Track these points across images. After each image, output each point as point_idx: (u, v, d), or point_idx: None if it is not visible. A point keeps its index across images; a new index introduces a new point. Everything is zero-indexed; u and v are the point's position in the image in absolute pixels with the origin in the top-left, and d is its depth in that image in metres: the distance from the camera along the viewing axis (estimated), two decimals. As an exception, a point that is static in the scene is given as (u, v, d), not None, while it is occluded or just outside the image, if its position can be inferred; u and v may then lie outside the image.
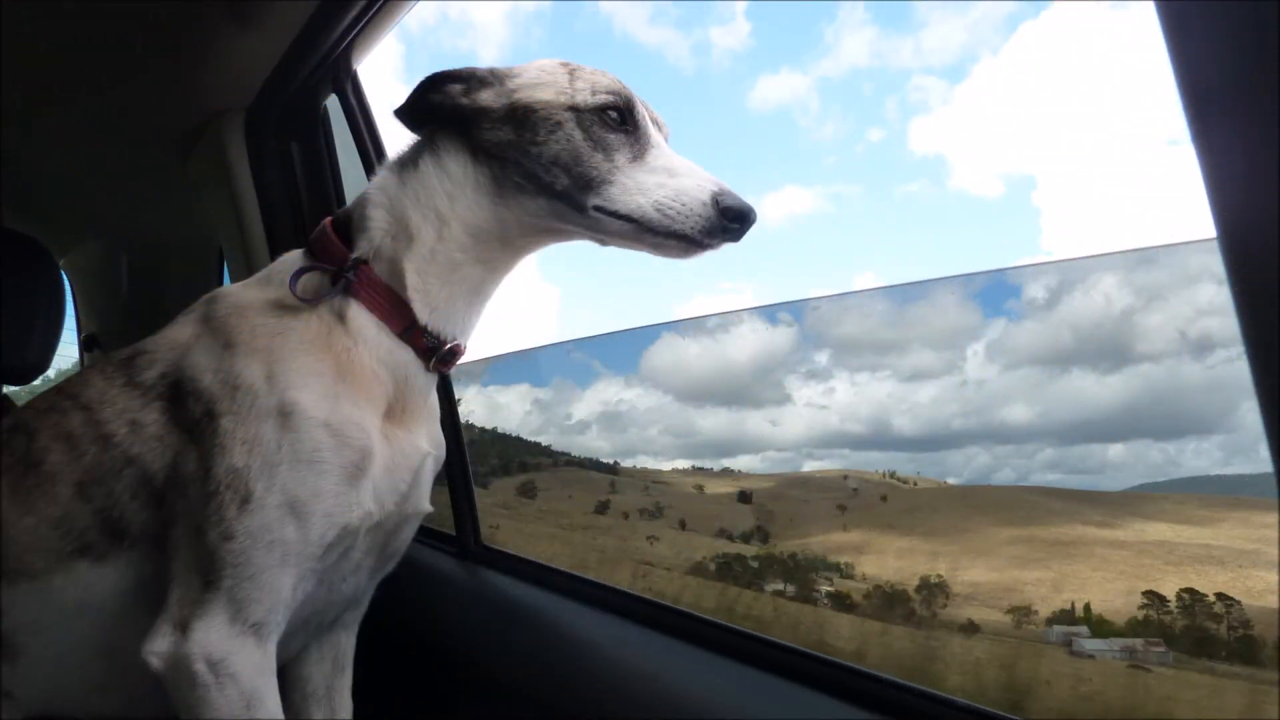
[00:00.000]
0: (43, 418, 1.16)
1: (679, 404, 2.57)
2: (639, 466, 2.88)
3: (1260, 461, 0.59)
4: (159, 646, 1.00)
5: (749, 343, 2.21)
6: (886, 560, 1.91)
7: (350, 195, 1.69)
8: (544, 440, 3.20)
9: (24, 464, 1.13)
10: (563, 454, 3.19)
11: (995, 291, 1.60)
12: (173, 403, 1.09)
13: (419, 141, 1.20)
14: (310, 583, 1.07)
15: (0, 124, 2.26)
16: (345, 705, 1.34)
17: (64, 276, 2.45)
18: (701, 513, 2.60)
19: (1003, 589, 1.60)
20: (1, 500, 1.12)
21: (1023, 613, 1.55)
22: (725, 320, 2.29)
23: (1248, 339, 0.58)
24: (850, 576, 1.93)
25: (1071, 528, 1.62)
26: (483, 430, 3.09)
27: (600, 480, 3.00)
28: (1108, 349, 1.43)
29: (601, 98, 1.10)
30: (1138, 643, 1.37)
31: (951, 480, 1.90)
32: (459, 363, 1.23)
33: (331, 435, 1.04)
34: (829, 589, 1.94)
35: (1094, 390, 1.49)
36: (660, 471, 2.76)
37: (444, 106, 1.14)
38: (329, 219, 1.23)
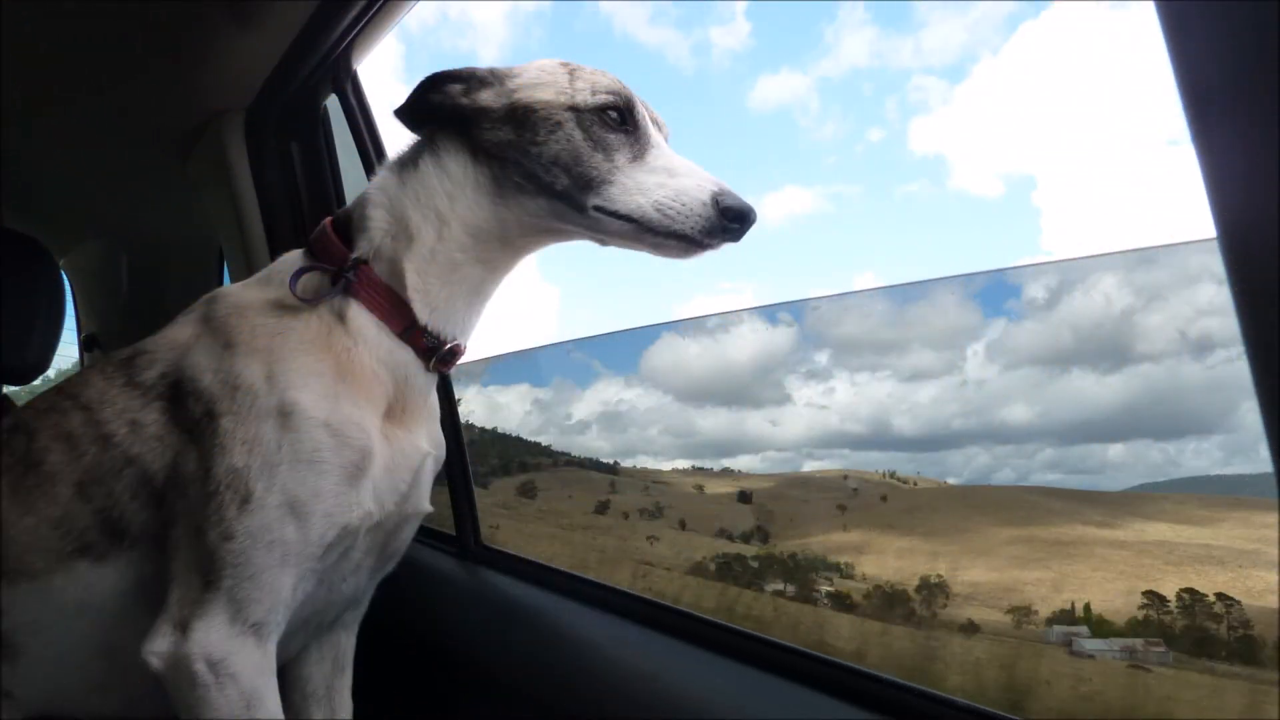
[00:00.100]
0: (43, 418, 1.16)
1: (679, 404, 2.57)
2: (639, 466, 2.88)
3: (1260, 461, 0.59)
4: (159, 646, 1.00)
5: (749, 343, 2.21)
6: (886, 560, 1.91)
7: (350, 195, 1.69)
8: (544, 440, 3.20)
9: (24, 464, 1.13)
10: (563, 454, 3.19)
11: (995, 291, 1.60)
12: (173, 403, 1.09)
13: (419, 141, 1.20)
14: (310, 583, 1.07)
15: (0, 124, 2.26)
16: (345, 705, 1.34)
17: (64, 276, 2.45)
18: (701, 513, 2.60)
19: (1003, 589, 1.60)
20: (1, 500, 1.12)
21: (1023, 613, 1.55)
22: (725, 320, 2.29)
23: (1248, 339, 0.58)
24: (850, 576, 1.93)
25: (1071, 528, 1.62)
26: (483, 430, 3.09)
27: (600, 480, 3.00)
28: (1108, 349, 1.43)
29: (601, 98, 1.10)
30: (1138, 643, 1.37)
31: (951, 480, 1.90)
32: (459, 363, 1.23)
33: (331, 435, 1.04)
34: (829, 589, 1.94)
35: (1094, 390, 1.49)
36: (660, 471, 2.76)
37: (444, 106, 1.14)
38: (329, 219, 1.23)
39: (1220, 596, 1.31)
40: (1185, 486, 1.52)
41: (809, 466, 2.18)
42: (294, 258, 1.21)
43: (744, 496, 2.40)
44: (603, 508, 2.90)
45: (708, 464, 2.55)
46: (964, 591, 1.63)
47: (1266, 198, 0.55)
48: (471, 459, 1.96)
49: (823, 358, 2.01)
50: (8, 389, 2.36)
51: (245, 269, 2.23)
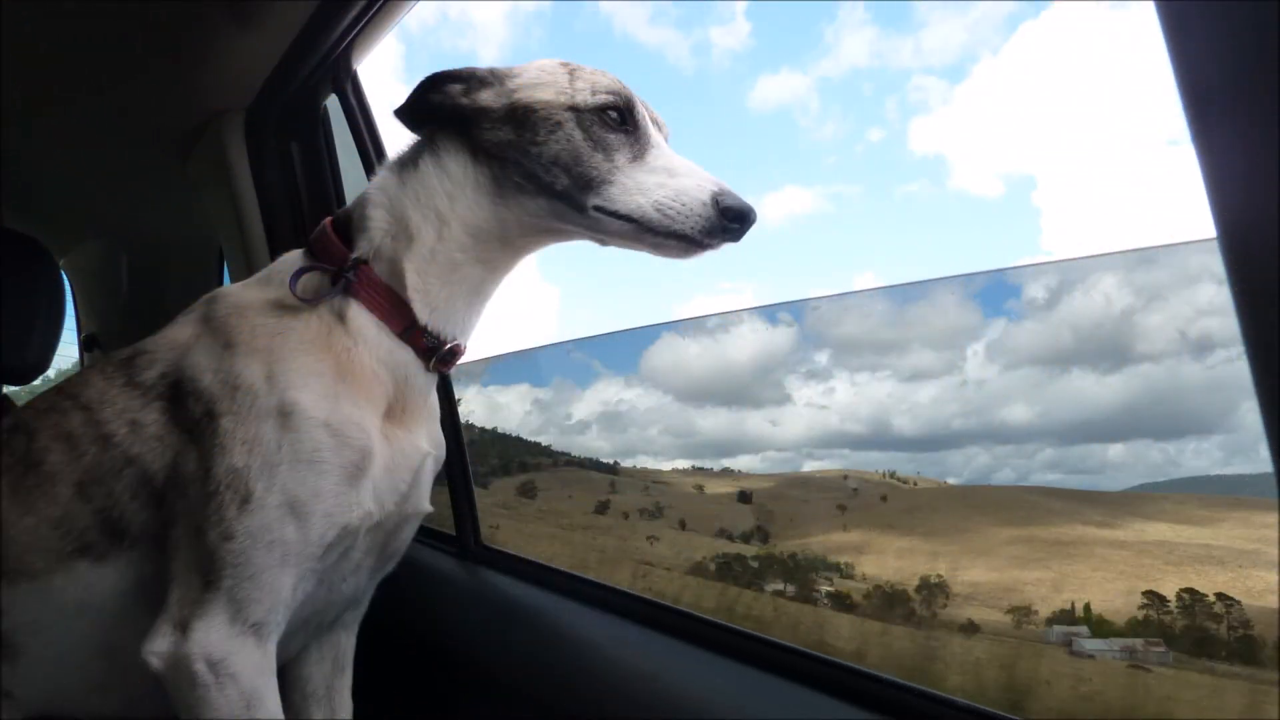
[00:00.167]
0: (43, 418, 1.16)
1: (679, 404, 2.57)
2: (639, 466, 2.88)
3: (1260, 461, 0.59)
4: (159, 646, 1.00)
5: (749, 343, 2.21)
6: (886, 560, 1.91)
7: (350, 195, 1.69)
8: (544, 440, 3.20)
9: (24, 464, 1.13)
10: (563, 454, 3.19)
11: (995, 291, 1.60)
12: (173, 403, 1.09)
13: (419, 141, 1.20)
14: (310, 583, 1.07)
15: (0, 124, 2.26)
16: (345, 705, 1.34)
17: (64, 276, 2.45)
18: (701, 513, 2.60)
19: (1003, 589, 1.60)
20: (1, 500, 1.12)
21: (1023, 613, 1.55)
22: (725, 320, 2.29)
23: (1248, 339, 0.58)
24: (850, 576, 1.93)
25: (1071, 528, 1.62)
26: (483, 430, 3.09)
27: (600, 480, 3.00)
28: (1108, 349, 1.43)
29: (601, 98, 1.10)
30: (1138, 643, 1.37)
31: (951, 480, 1.90)
32: (459, 363, 1.23)
33: (331, 435, 1.04)
34: (829, 589, 1.94)
35: (1094, 390, 1.49)
36: (660, 471, 2.76)
37: (444, 106, 1.14)
38: (329, 219, 1.23)
39: (1220, 596, 1.31)
40: (1185, 486, 1.52)
41: (809, 466, 2.19)
42: (294, 258, 1.21)
43: (744, 496, 2.40)
44: (603, 508, 2.90)
45: (708, 464, 2.56)
46: (964, 591, 1.63)
47: (1266, 198, 0.55)
48: (471, 459, 1.96)
49: (823, 358, 2.01)
50: (8, 389, 2.36)
51: (245, 269, 2.23)
